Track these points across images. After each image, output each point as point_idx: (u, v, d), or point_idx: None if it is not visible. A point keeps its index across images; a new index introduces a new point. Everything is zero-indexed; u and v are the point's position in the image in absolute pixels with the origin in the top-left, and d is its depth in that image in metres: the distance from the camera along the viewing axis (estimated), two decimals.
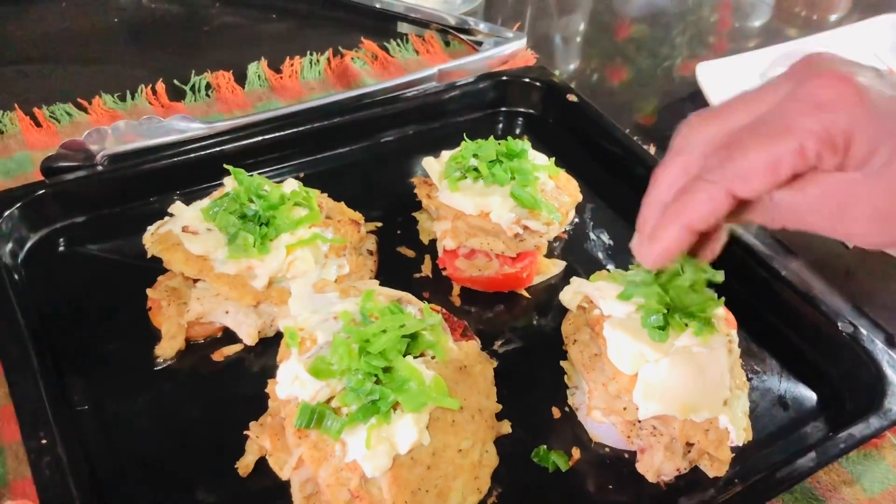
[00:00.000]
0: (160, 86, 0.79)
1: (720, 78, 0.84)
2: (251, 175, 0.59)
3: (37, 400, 0.49)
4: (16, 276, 0.59)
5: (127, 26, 0.91)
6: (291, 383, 0.46)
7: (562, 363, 0.57)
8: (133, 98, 0.78)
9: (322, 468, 0.45)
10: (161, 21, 0.92)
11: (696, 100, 0.86)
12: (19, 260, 0.61)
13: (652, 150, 0.77)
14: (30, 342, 0.53)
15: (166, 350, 0.55)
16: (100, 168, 0.66)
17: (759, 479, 0.50)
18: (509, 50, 0.86)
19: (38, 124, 0.74)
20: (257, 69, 0.82)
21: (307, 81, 0.83)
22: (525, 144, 0.63)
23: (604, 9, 1.11)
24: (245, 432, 0.48)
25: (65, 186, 0.64)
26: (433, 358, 0.49)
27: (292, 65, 0.83)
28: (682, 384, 0.49)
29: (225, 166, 0.59)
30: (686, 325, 0.50)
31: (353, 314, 0.49)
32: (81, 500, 0.45)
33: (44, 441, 0.47)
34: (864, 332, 0.58)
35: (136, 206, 0.66)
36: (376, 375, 0.45)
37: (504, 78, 0.80)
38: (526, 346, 0.58)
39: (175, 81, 0.80)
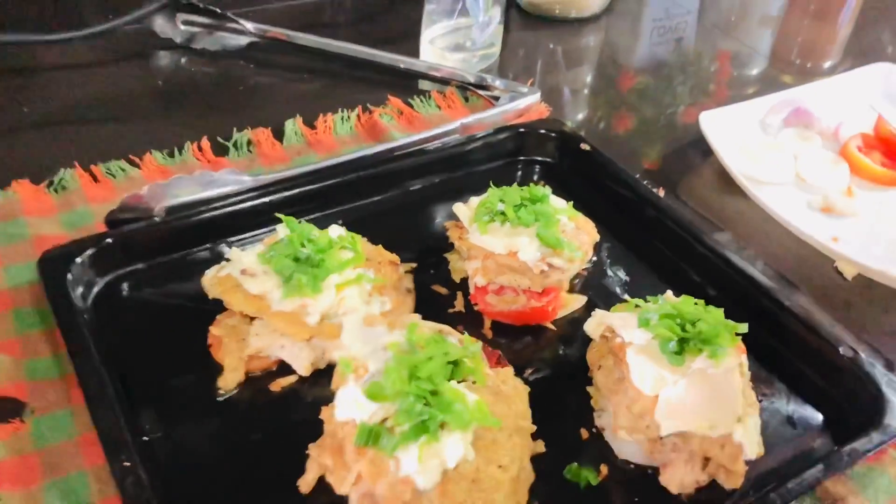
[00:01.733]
0: (205, 143, 0.86)
1: (722, 126, 0.91)
2: (300, 223, 0.65)
3: (116, 427, 0.55)
4: (86, 318, 0.64)
5: (170, 88, 0.98)
6: (349, 406, 0.51)
7: (588, 388, 0.62)
8: (181, 154, 0.84)
9: (379, 483, 0.50)
10: (200, 82, 0.99)
11: (699, 146, 0.92)
12: (88, 303, 0.66)
13: (661, 193, 0.83)
14: (106, 376, 0.58)
15: (228, 382, 0.60)
16: (157, 219, 0.72)
17: (770, 489, 0.55)
18: (524, 104, 0.93)
19: (96, 180, 0.80)
20: (293, 126, 0.89)
21: (340, 136, 0.89)
22: (546, 190, 0.69)
23: (609, 62, 1.18)
24: (306, 452, 0.54)
25: (127, 236, 0.70)
26: (474, 383, 0.54)
27: (325, 121, 0.90)
28: (698, 403, 0.54)
29: (277, 215, 0.65)
30: (700, 349, 0.56)
31: (401, 344, 0.54)
32: None
33: (126, 463, 0.52)
34: (863, 356, 0.64)
35: (192, 253, 0.72)
36: (425, 398, 0.50)
37: (521, 130, 0.87)
38: (554, 373, 0.64)
39: (218, 138, 0.87)
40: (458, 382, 0.53)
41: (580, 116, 1.04)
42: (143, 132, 0.88)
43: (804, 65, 1.23)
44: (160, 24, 1.02)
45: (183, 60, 1.03)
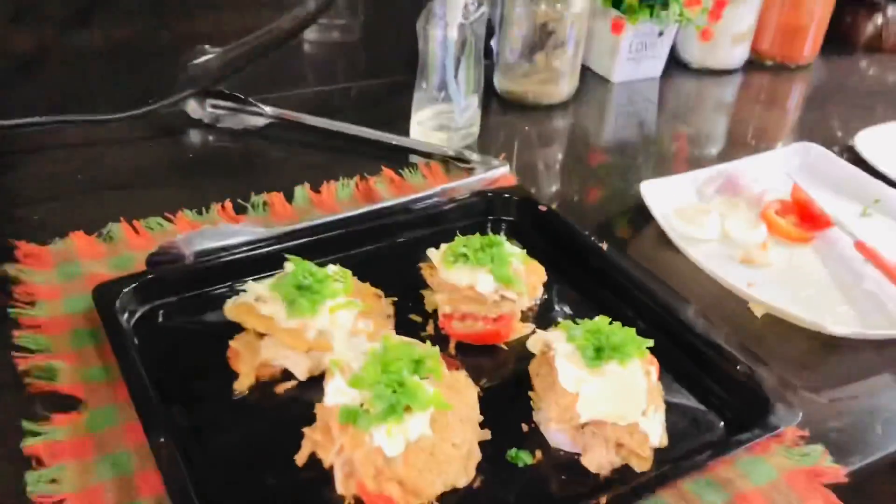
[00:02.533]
0: (228, 203, 1.03)
1: (662, 193, 1.08)
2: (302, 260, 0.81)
3: (154, 417, 0.70)
4: (130, 336, 0.80)
5: (199, 160, 1.16)
6: (335, 394, 0.67)
7: (529, 393, 0.77)
8: (207, 212, 1.02)
9: (356, 452, 0.64)
10: (224, 156, 1.18)
11: (642, 210, 1.08)
12: (131, 325, 0.82)
13: (604, 246, 0.99)
14: (146, 380, 0.74)
15: (242, 385, 0.76)
16: (188, 261, 0.89)
17: (668, 469, 0.69)
18: (496, 174, 1.10)
19: (137, 232, 0.97)
20: (302, 191, 1.06)
21: (341, 200, 1.06)
22: (502, 239, 0.85)
23: (579, 141, 1.36)
24: (303, 429, 0.69)
25: (162, 274, 0.87)
26: (434, 379, 0.69)
27: (329, 187, 1.07)
28: (609, 397, 0.69)
29: (286, 256, 0.82)
30: (612, 356, 0.71)
31: (377, 349, 0.70)
32: (190, 479, 0.64)
33: (162, 440, 0.67)
34: (757, 373, 0.78)
35: (216, 289, 0.88)
36: (393, 387, 0.65)
37: (490, 194, 1.04)
38: (503, 383, 0.79)
39: (239, 200, 1.04)
40: (421, 378, 0.68)
41: (553, 189, 1.20)
42: (176, 195, 1.05)
43: (759, 145, 1.38)
44: (192, 107, 1.21)
45: (210, 137, 1.22)
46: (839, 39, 1.77)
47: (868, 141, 1.28)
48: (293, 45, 1.33)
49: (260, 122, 1.23)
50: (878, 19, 1.75)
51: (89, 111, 1.18)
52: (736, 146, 1.37)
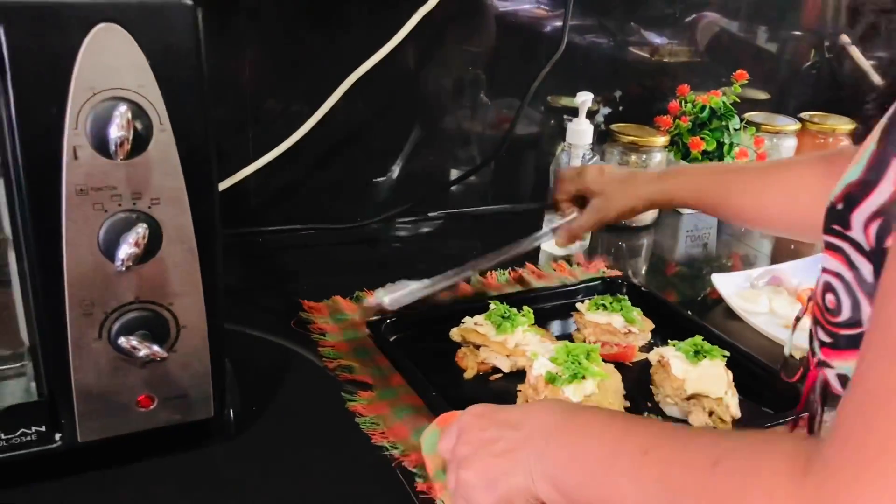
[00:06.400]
0: None
1: (728, 284, 1.54)
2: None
3: (424, 388, 1.15)
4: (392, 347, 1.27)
5: (394, 257, 1.67)
6: (539, 368, 1.11)
7: (650, 386, 1.20)
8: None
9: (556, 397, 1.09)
10: (401, 257, 1.69)
11: (707, 297, 1.54)
12: (391, 341, 1.29)
13: (689, 313, 1.44)
14: (412, 366, 1.19)
15: (469, 375, 1.21)
16: (391, 312, 1.36)
17: (741, 429, 1.11)
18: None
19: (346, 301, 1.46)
20: (475, 276, 1.55)
21: (500, 282, 1.55)
22: (626, 299, 1.32)
23: (657, 256, 1.84)
24: (517, 390, 1.13)
25: (380, 321, 1.34)
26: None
27: (492, 274, 1.56)
28: (703, 380, 1.12)
29: (490, 301, 1.29)
30: (704, 357, 1.15)
31: (564, 346, 1.15)
32: None
33: (434, 394, 1.12)
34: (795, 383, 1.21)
35: (432, 326, 1.35)
36: (575, 363, 1.10)
37: (608, 280, 1.52)
38: (631, 385, 1.23)
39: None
40: (589, 362, 1.13)
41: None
42: (387, 276, 1.54)
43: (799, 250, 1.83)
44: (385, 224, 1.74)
45: (397, 244, 1.74)
46: None
47: None
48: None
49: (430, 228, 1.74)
50: None
51: (323, 223, 1.72)
52: (777, 258, 1.83)
